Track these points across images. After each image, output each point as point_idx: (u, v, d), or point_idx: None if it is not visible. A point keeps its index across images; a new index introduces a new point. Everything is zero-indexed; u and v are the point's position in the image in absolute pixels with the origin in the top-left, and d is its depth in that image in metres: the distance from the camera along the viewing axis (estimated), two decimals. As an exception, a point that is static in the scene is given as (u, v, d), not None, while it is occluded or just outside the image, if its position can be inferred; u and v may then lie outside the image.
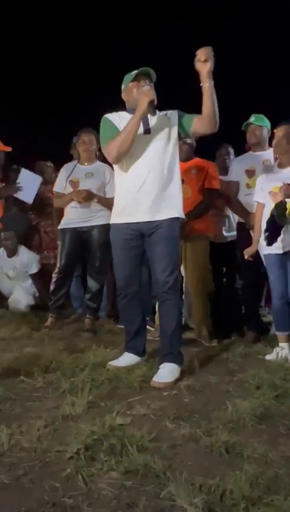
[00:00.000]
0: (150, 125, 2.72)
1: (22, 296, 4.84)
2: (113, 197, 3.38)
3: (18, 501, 1.49)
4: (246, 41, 8.89)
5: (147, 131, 2.72)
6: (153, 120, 2.76)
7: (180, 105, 2.90)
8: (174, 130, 2.83)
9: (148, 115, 2.72)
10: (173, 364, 2.71)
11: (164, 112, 2.86)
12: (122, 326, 3.30)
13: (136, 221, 2.80)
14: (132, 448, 1.76)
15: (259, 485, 1.55)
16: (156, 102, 2.72)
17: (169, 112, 2.88)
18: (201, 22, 8.87)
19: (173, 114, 2.86)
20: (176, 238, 2.84)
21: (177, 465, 1.70)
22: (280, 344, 3.22)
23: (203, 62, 2.61)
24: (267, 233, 3.12)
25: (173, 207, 2.80)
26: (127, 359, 2.92)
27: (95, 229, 3.96)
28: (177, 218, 2.82)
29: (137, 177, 2.79)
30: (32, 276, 4.92)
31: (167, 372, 2.66)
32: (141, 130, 2.73)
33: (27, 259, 4.88)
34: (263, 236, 3.18)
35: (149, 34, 8.81)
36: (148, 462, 1.67)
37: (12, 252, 4.87)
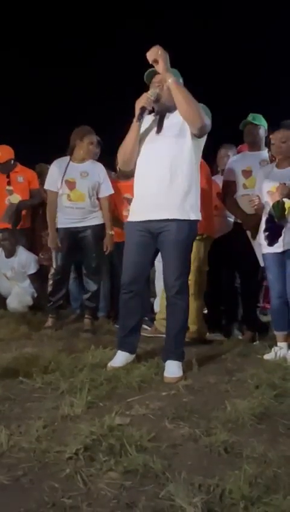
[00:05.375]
0: (161, 125, 2.78)
1: (20, 296, 4.83)
2: (107, 196, 3.99)
3: (17, 501, 1.49)
4: (245, 41, 8.89)
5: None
6: (168, 119, 2.80)
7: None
8: (187, 128, 2.73)
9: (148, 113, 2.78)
10: (176, 361, 2.80)
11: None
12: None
13: (143, 219, 2.81)
14: (131, 449, 1.76)
15: (258, 484, 1.56)
16: (149, 108, 2.76)
17: None
18: (201, 20, 8.87)
19: None
20: (185, 241, 2.78)
21: (177, 465, 1.70)
22: (279, 343, 3.23)
23: (155, 63, 2.70)
24: (266, 233, 3.12)
25: (181, 208, 2.74)
26: (123, 358, 2.90)
27: (89, 229, 3.94)
28: (185, 221, 2.75)
29: (144, 175, 2.83)
30: (31, 276, 4.91)
31: (175, 367, 2.77)
32: (154, 130, 2.81)
33: (25, 259, 4.87)
34: (262, 236, 3.18)
35: (149, 34, 8.80)
36: (148, 462, 1.68)
37: (10, 253, 4.86)
